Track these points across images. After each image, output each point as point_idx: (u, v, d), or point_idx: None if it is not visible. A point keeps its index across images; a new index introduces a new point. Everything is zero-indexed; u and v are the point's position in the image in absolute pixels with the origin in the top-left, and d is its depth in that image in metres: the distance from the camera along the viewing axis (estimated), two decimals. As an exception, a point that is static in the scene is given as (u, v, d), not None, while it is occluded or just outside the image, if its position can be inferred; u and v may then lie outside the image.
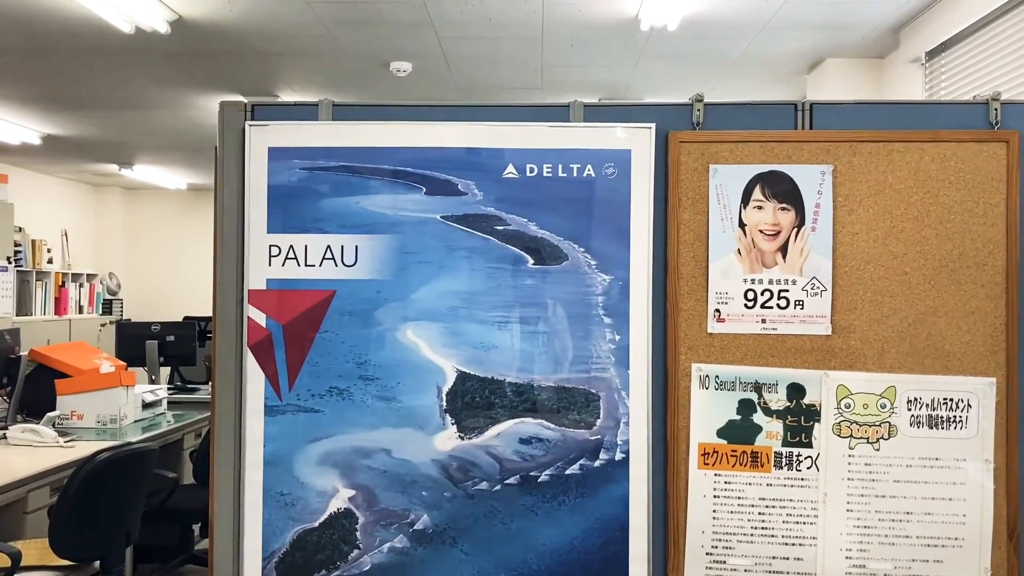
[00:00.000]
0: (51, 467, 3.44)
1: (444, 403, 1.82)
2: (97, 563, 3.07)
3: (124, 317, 9.06)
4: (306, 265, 1.83)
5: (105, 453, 3.02)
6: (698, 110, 1.89)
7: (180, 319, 6.47)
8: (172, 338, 5.79)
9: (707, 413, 1.82)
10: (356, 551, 1.79)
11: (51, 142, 6.97)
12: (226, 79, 5.10)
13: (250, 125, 1.84)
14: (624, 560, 1.80)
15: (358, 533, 1.79)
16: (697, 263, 1.85)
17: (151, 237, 10.05)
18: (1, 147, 7.10)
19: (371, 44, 4.43)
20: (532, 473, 1.81)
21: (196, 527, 4.71)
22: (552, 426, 1.82)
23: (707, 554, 1.81)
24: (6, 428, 4.02)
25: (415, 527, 1.80)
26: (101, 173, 8.79)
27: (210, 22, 4.08)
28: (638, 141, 1.84)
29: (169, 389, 5.21)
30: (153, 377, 5.53)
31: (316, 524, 1.79)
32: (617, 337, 1.83)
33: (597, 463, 1.82)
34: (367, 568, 1.79)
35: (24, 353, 4.43)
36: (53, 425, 4.05)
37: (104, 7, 3.79)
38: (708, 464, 1.82)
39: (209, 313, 6.78)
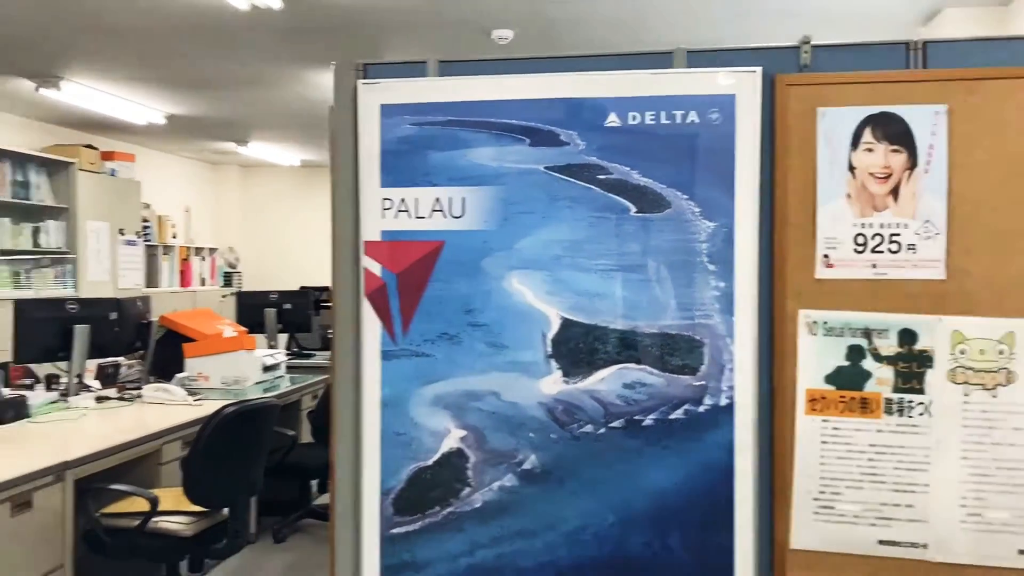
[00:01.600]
0: (182, 423, 3.69)
1: (549, 349, 1.87)
2: (226, 510, 3.28)
3: (243, 288, 9.50)
4: (417, 217, 1.91)
5: (232, 407, 3.22)
6: (805, 52, 1.86)
7: (296, 288, 6.75)
8: (289, 306, 6.06)
9: (815, 359, 1.81)
10: (468, 489, 1.87)
11: (174, 122, 7.35)
12: (332, 54, 5.25)
13: (362, 84, 1.93)
14: (729, 504, 1.82)
15: (469, 472, 1.87)
16: (805, 208, 1.83)
17: (267, 212, 10.49)
18: (129, 128, 7.54)
19: (473, 12, 4.48)
20: (636, 417, 1.85)
21: (314, 483, 4.96)
22: (656, 372, 1.85)
23: (814, 499, 1.80)
24: (141, 388, 4.33)
25: (523, 467, 1.86)
26: (220, 151, 9.21)
27: (319, -3, 4.23)
28: (743, 86, 1.83)
29: (287, 355, 5.46)
30: (272, 343, 5.80)
31: (430, 462, 1.88)
32: (722, 284, 1.84)
33: (701, 408, 1.83)
34: (478, 505, 1.87)
35: (155, 320, 4.73)
36: (182, 385, 4.33)
37: (223, -14, 3.98)
38: (816, 410, 1.81)
39: (323, 283, 7.07)
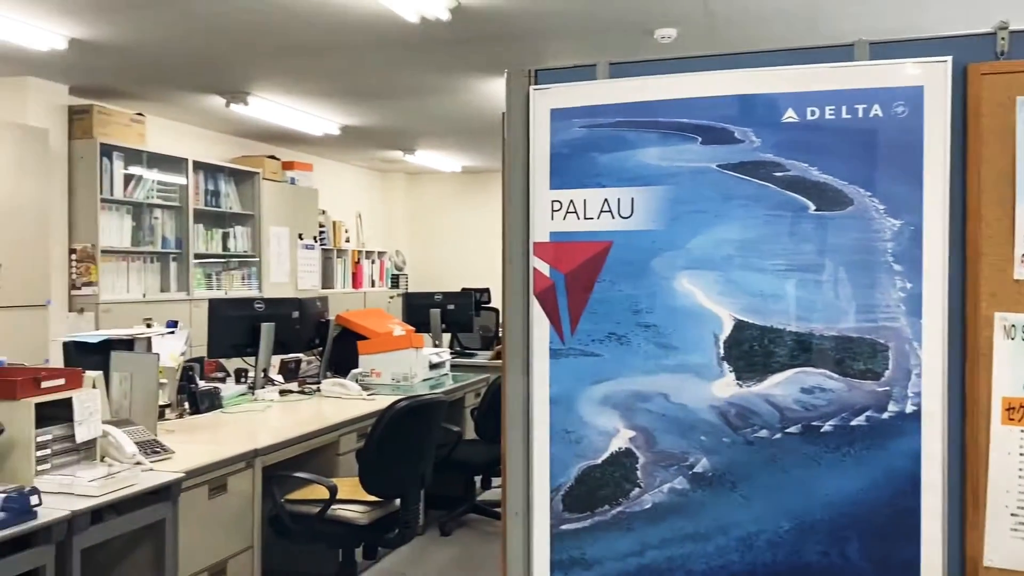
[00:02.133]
0: (357, 416, 3.89)
1: (721, 351, 1.84)
2: (398, 500, 3.43)
3: (409, 290, 9.89)
4: (585, 218, 1.93)
5: (403, 402, 3.37)
6: (1002, 39, 1.73)
7: (458, 290, 6.96)
8: (452, 307, 6.25)
9: (1012, 365, 1.69)
10: (637, 489, 1.87)
11: (348, 132, 7.75)
12: (496, 62, 5.38)
13: (534, 89, 1.97)
14: (915, 516, 1.72)
15: (639, 472, 1.87)
16: (1002, 204, 1.71)
17: (431, 216, 10.87)
18: (307, 139, 8.02)
19: (635, 13, 4.47)
20: (814, 423, 1.78)
21: (478, 479, 5.09)
22: (836, 376, 1.78)
23: (1012, 515, 1.68)
24: (319, 382, 4.60)
25: (694, 470, 1.84)
26: (388, 159, 9.63)
27: (484, 6, 4.34)
28: (932, 76, 1.73)
29: (451, 353, 5.64)
30: (436, 342, 6.00)
31: (599, 461, 1.90)
32: (908, 285, 1.74)
33: (885, 415, 1.75)
34: (648, 506, 1.86)
35: (332, 319, 5.02)
36: (356, 380, 4.56)
37: (395, 0, 4.16)
38: (1013, 420, 1.68)
39: (484, 284, 7.25)
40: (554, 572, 1.90)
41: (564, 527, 1.91)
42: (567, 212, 1.94)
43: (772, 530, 1.80)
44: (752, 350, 1.82)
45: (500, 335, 6.80)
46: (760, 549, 1.81)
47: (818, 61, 1.82)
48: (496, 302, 7.02)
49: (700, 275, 1.85)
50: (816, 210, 1.79)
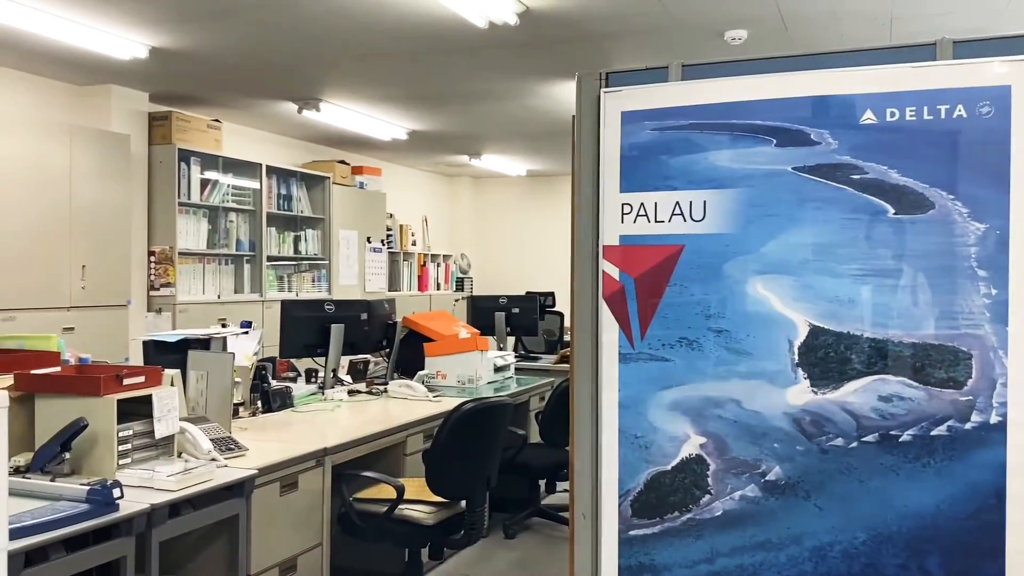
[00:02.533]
0: (423, 417, 3.92)
1: (796, 357, 1.81)
2: (463, 502, 3.45)
3: (473, 293, 9.95)
4: (656, 221, 1.92)
5: (470, 404, 3.38)
6: (1097, 35, 1.66)
7: (523, 293, 6.98)
8: (517, 310, 6.26)
9: (1107, 376, 1.61)
10: (707, 496, 1.85)
11: (415, 137, 7.85)
12: (563, 66, 5.38)
13: (605, 92, 1.97)
14: (1000, 530, 1.66)
15: (709, 479, 1.85)
16: (1095, 208, 1.64)
17: (495, 220, 10.92)
18: (376, 144, 8.14)
19: (705, 14, 4.42)
20: (892, 432, 1.74)
21: (542, 483, 5.09)
22: (915, 384, 1.73)
23: (1106, 534, 1.61)
24: (386, 383, 4.65)
25: (767, 478, 1.81)
26: (454, 164, 9.71)
27: (552, 10, 4.34)
28: (1021, 75, 1.67)
29: (515, 357, 5.65)
30: (501, 345, 6.02)
31: (669, 467, 1.88)
32: (993, 291, 1.69)
33: (968, 425, 1.69)
34: (718, 513, 1.84)
35: (399, 320, 5.08)
36: (423, 382, 4.60)
37: (463, 5, 4.20)
38: (1108, 433, 1.61)
39: (548, 288, 7.25)
40: (622, 577, 1.89)
41: (633, 532, 1.90)
42: (637, 215, 1.93)
43: (847, 541, 1.76)
44: (828, 356, 1.78)
45: (564, 339, 6.81)
46: (834, 560, 1.77)
47: (897, 61, 1.78)
48: (561, 306, 7.01)
49: (774, 280, 1.82)
50: (895, 214, 1.75)
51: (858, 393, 1.76)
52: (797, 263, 1.81)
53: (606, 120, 1.96)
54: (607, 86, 1.98)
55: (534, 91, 6.10)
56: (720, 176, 1.87)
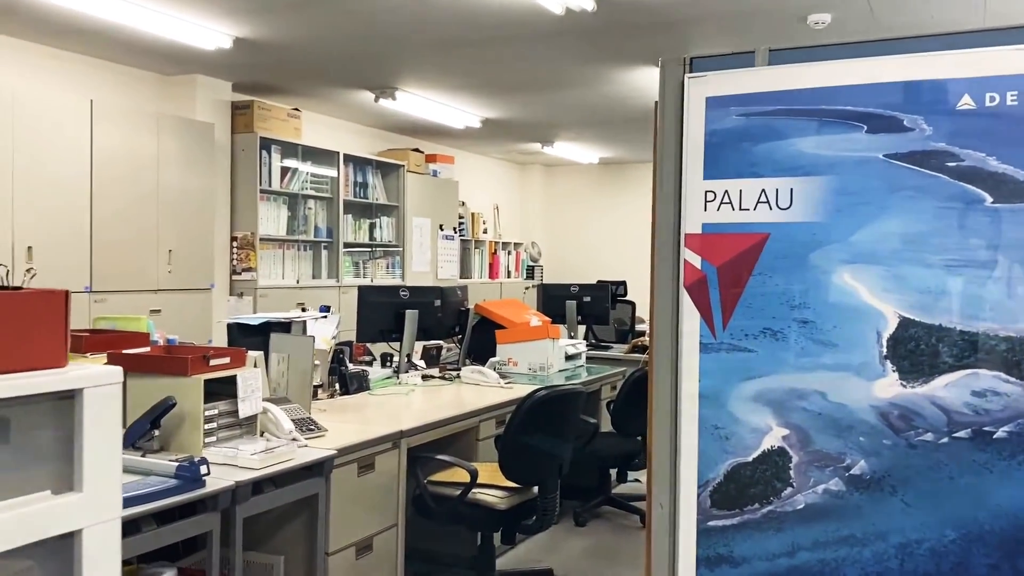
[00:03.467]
0: (496, 403, 3.95)
1: (884, 349, 1.76)
2: (536, 488, 3.47)
3: (543, 281, 9.95)
4: (740, 209, 1.89)
5: (543, 391, 3.40)
6: None
7: (594, 282, 6.94)
8: (588, 299, 6.24)
9: None
10: (789, 489, 1.82)
11: (488, 125, 7.87)
12: (641, 52, 5.32)
13: (689, 78, 1.94)
14: (1103, 534, 1.60)
15: (791, 471, 1.82)
16: None
17: (567, 209, 10.89)
18: (449, 132, 8.20)
19: (787, -2, 4.32)
20: (986, 428, 1.68)
21: (613, 472, 5.07)
22: (1012, 380, 1.67)
23: None
24: (459, 369, 4.70)
25: (851, 472, 1.77)
26: (526, 152, 9.71)
27: (631, -5, 4.30)
28: None
29: (586, 345, 5.64)
30: (572, 334, 6.01)
31: (750, 459, 1.85)
32: (1097, 284, 1.61)
33: (1069, 423, 1.63)
34: (800, 507, 1.81)
35: (471, 307, 5.12)
36: (494, 368, 4.63)
37: (541, -9, 4.19)
38: None
39: (620, 277, 7.20)
40: (700, 568, 1.88)
41: (712, 523, 1.88)
42: (721, 203, 1.90)
43: (935, 539, 1.71)
44: (918, 349, 1.73)
45: (636, 328, 6.76)
46: (922, 558, 1.72)
47: (995, 44, 1.70)
48: (633, 295, 6.95)
49: (863, 270, 1.77)
50: (993, 202, 1.68)
51: (949, 387, 1.71)
52: (887, 253, 1.76)
53: (690, 106, 1.93)
54: (691, 72, 1.95)
55: (609, 78, 6.05)
56: (808, 163, 1.83)
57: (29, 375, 1.28)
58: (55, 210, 4.87)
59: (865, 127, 1.78)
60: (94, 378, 1.38)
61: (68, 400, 1.35)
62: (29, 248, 4.66)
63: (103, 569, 1.38)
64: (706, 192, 1.92)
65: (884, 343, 1.76)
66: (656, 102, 1.99)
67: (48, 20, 4.79)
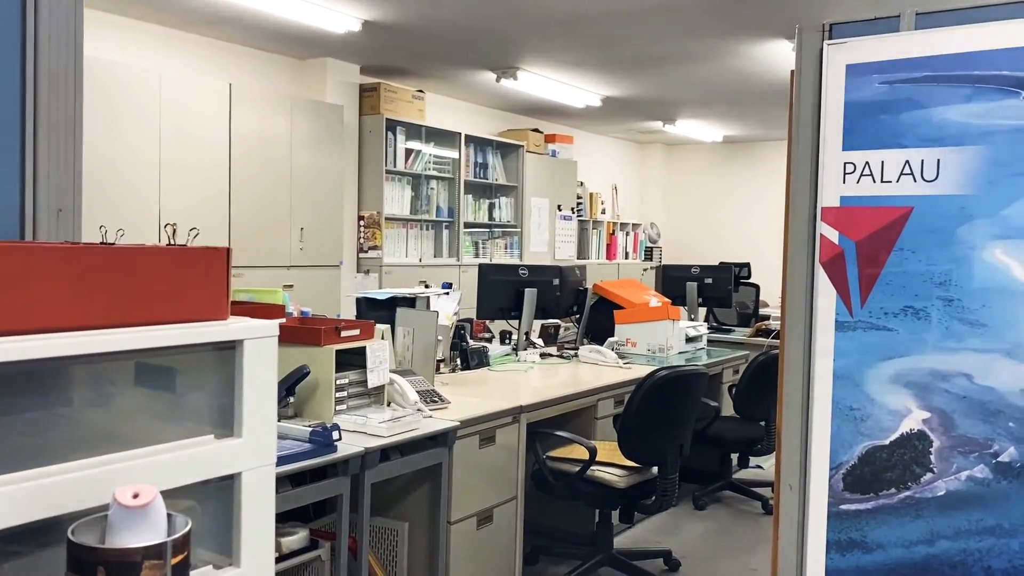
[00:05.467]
0: (614, 382, 3.94)
1: (1040, 330, 1.65)
2: (655, 469, 3.44)
3: (662, 262, 9.82)
4: (882, 181, 1.80)
5: (664, 371, 3.36)
6: None
7: (716, 264, 6.80)
8: (710, 281, 6.12)
9: None
10: (929, 474, 1.74)
11: (608, 104, 7.80)
12: (770, 22, 5.13)
13: (828, 44, 1.86)
14: None
15: (932, 456, 1.74)
16: None
17: (688, 189, 10.69)
18: (569, 111, 8.17)
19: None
20: None
21: (734, 457, 4.98)
22: None
23: None
24: (576, 348, 4.71)
25: (999, 458, 1.68)
26: (646, 131, 9.58)
27: (761, -34, 4.15)
28: None
29: (707, 328, 5.54)
30: (692, 316, 5.91)
31: (887, 442, 1.78)
32: None
33: None
34: (941, 493, 1.73)
35: (589, 287, 5.11)
36: (612, 348, 4.62)
37: (666, -34, 4.10)
38: None
39: (742, 259, 7.02)
40: (830, 551, 1.82)
41: (844, 507, 1.82)
42: (861, 175, 1.82)
43: (1094, 534, 1.60)
44: (1079, 331, 1.61)
45: (760, 312, 6.57)
46: (1078, 553, 1.61)
47: None
48: (757, 277, 6.77)
49: (1017, 246, 1.67)
50: None
51: (1114, 372, 1.59)
52: (1045, 228, 1.65)
53: (829, 74, 1.85)
54: (831, 38, 1.87)
55: (736, 51, 5.87)
56: (957, 132, 1.73)
57: (194, 325, 1.38)
58: (197, 189, 5.15)
59: (1022, 93, 1.67)
60: (254, 330, 1.46)
61: (229, 351, 1.44)
62: (175, 225, 4.95)
63: (259, 510, 1.47)
64: (845, 164, 1.84)
65: (1040, 324, 1.65)
66: (792, 71, 1.92)
67: (191, 8, 5.05)
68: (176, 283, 1.34)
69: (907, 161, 1.77)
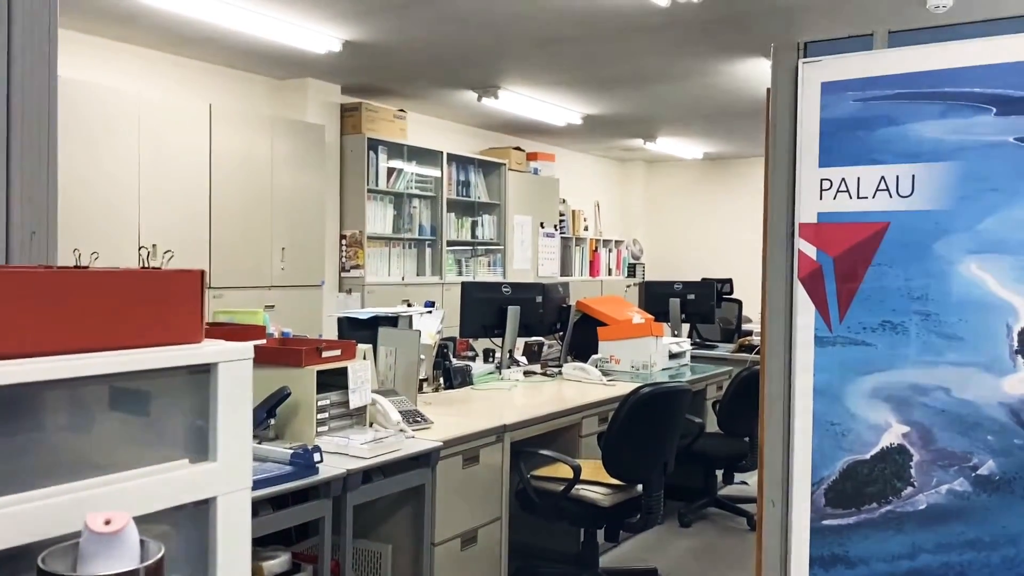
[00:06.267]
0: (598, 400, 3.93)
1: (1015, 343, 1.66)
2: (640, 486, 3.43)
3: (645, 279, 9.84)
4: (858, 197, 1.82)
5: (648, 388, 3.36)
6: None
7: (698, 280, 6.82)
8: (692, 297, 6.13)
9: None
10: (910, 488, 1.74)
11: (589, 122, 7.84)
12: (748, 43, 5.19)
13: (803, 63, 1.88)
14: None
15: (912, 470, 1.74)
16: None
17: (670, 205, 10.74)
18: (550, 129, 8.21)
19: (906, -18, 4.13)
20: None
21: (719, 473, 4.97)
22: None
23: None
24: (560, 366, 4.70)
25: (978, 472, 1.68)
26: (627, 148, 9.63)
27: (738, -15, 4.20)
28: None
29: (691, 344, 5.54)
30: (675, 332, 5.92)
31: (867, 456, 1.79)
32: None
33: None
34: (922, 507, 1.73)
35: (572, 304, 5.11)
36: (596, 365, 4.61)
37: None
38: None
39: (725, 275, 7.05)
40: (813, 567, 1.82)
41: (826, 522, 1.82)
42: (838, 191, 1.84)
43: (1074, 546, 1.61)
44: (1054, 344, 1.63)
45: (743, 327, 6.59)
46: (1058, 566, 1.62)
47: None
48: (739, 293, 6.80)
49: (992, 260, 1.68)
50: None
51: (1090, 385, 1.60)
52: (1018, 242, 1.66)
53: (805, 92, 1.87)
54: (806, 56, 1.89)
55: (716, 70, 5.93)
56: (931, 148, 1.74)
57: (168, 349, 1.36)
58: (177, 209, 5.12)
59: (994, 110, 1.69)
60: (228, 353, 1.45)
61: (204, 374, 1.42)
62: (154, 246, 4.92)
63: (235, 535, 1.45)
64: (822, 180, 1.86)
65: (1015, 337, 1.66)
66: (768, 89, 1.94)
67: (169, 29, 5.04)
68: (150, 306, 1.33)
69: (883, 177, 1.79)
